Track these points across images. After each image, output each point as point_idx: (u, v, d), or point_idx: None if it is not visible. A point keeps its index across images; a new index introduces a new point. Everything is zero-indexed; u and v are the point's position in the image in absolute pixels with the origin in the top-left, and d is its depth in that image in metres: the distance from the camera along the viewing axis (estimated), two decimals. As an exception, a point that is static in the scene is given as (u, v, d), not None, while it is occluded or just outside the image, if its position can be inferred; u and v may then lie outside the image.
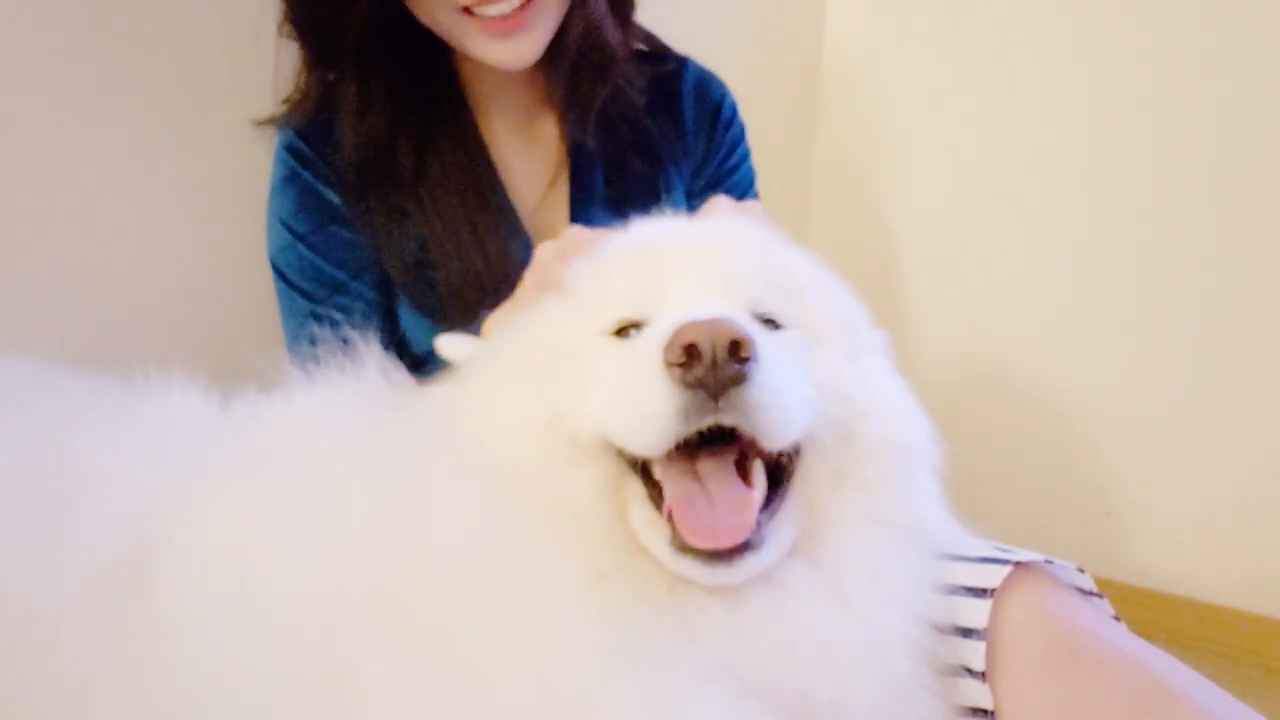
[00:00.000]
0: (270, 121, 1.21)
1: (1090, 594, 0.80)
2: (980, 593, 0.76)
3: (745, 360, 0.66)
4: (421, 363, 1.09)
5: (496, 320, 1.01)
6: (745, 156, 1.38)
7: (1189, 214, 1.82)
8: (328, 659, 0.69)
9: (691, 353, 0.66)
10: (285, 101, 1.21)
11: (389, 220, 1.16)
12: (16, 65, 1.17)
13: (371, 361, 0.88)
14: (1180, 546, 1.90)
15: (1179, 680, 0.72)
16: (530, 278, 0.92)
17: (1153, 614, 1.84)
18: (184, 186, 1.32)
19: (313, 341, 1.11)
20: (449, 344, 0.93)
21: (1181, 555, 1.89)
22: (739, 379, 0.66)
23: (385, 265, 1.18)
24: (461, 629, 0.69)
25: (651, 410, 0.68)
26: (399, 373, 0.89)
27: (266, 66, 1.22)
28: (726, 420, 0.67)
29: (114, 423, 0.87)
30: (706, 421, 0.67)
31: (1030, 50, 1.98)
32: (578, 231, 0.91)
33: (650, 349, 0.69)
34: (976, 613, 0.75)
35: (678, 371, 0.66)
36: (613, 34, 1.20)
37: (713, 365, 0.66)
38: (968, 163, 2.09)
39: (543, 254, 0.92)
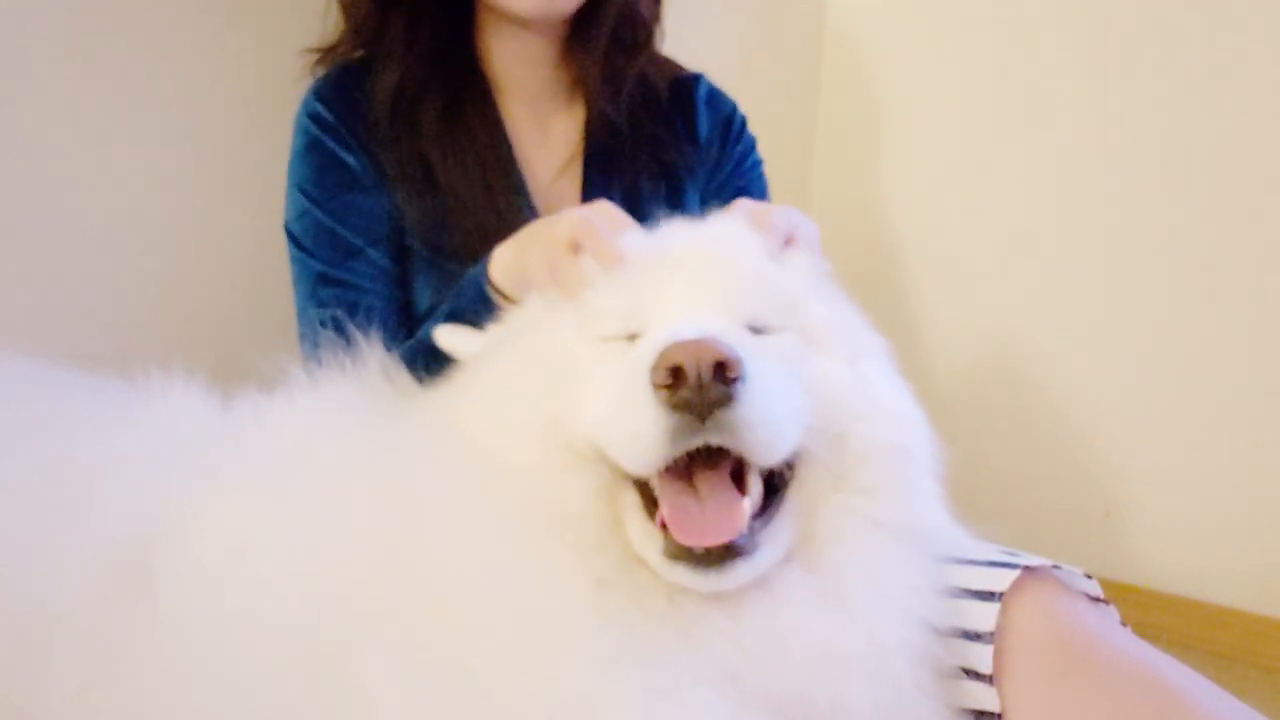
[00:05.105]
0: (318, 51, 1.23)
1: (1097, 600, 0.80)
2: (988, 596, 0.76)
3: (732, 381, 0.66)
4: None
5: (503, 257, 0.97)
6: (757, 164, 1.39)
7: (1194, 213, 1.81)
8: (329, 660, 0.69)
9: (677, 374, 0.66)
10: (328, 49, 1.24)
11: (412, 164, 1.18)
12: (14, 66, 1.16)
13: (372, 362, 0.88)
14: (1180, 546, 1.89)
15: (1184, 685, 0.72)
16: (545, 251, 0.88)
17: (1153, 614, 1.83)
18: (185, 186, 1.31)
19: (322, 304, 1.12)
20: (447, 336, 0.92)
21: (1181, 555, 1.89)
22: (725, 400, 0.66)
23: (404, 211, 1.18)
24: (462, 630, 0.69)
25: (641, 431, 0.68)
26: (400, 374, 0.88)
27: (277, 65, 1.23)
28: (714, 440, 0.67)
29: (115, 422, 0.87)
30: (695, 442, 0.67)
31: (1040, 38, 1.96)
32: (609, 210, 0.89)
33: (638, 369, 0.69)
34: (984, 616, 0.75)
35: (664, 393, 0.66)
36: (647, 9, 1.26)
37: (699, 387, 0.65)
38: (972, 152, 2.07)
39: (559, 228, 0.88)
